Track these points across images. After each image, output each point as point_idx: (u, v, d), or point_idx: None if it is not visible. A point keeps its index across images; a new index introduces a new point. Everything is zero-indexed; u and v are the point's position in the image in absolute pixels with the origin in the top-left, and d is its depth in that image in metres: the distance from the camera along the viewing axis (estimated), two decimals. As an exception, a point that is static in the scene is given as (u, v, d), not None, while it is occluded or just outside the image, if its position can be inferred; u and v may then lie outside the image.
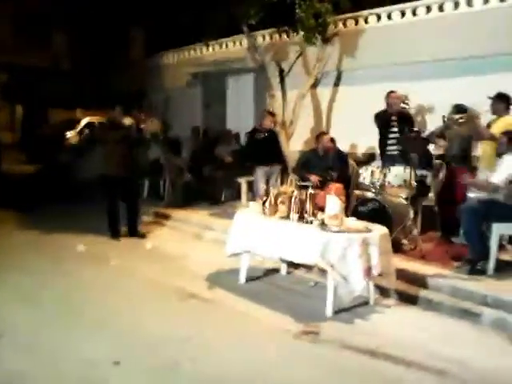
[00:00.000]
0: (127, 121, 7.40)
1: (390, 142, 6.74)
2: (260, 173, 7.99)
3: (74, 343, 3.85)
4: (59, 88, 17.10)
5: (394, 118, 6.81)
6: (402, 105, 6.03)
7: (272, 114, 8.17)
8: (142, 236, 7.43)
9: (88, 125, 16.35)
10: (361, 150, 8.54)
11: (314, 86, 8.48)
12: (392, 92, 6.95)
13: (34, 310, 4.52)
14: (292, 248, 4.59)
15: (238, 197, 9.21)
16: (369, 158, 8.00)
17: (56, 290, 5.08)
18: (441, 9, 7.56)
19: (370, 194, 6.26)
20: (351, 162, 7.64)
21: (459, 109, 6.35)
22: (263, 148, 7.92)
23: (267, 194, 5.13)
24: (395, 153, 6.58)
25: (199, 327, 4.16)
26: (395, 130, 6.75)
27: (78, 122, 16.34)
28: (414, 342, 4.00)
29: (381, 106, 7.49)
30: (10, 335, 3.99)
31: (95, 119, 16.49)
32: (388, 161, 6.31)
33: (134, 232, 7.47)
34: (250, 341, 4.00)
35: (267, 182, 7.92)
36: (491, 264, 4.93)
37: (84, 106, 16.74)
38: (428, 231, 6.49)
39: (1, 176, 11.89)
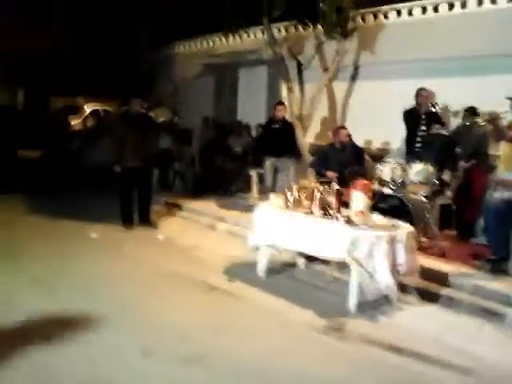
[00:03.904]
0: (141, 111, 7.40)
1: (417, 139, 6.69)
2: (267, 164, 7.83)
3: (101, 332, 3.83)
4: (61, 74, 16.99)
5: (423, 116, 6.73)
6: (432, 109, 5.98)
7: (282, 104, 8.00)
8: (154, 225, 7.42)
9: (93, 112, 16.32)
10: (375, 146, 8.50)
11: (330, 80, 8.41)
12: (422, 89, 6.84)
13: (50, 297, 4.46)
14: (318, 243, 4.57)
15: (248, 189, 9.17)
16: (383, 154, 7.96)
17: (72, 277, 5.04)
18: (463, 6, 7.51)
19: (388, 190, 6.22)
20: (366, 157, 7.60)
21: (473, 111, 6.32)
22: (276, 139, 7.76)
23: (274, 186, 5.02)
24: (421, 150, 6.54)
25: (227, 320, 4.16)
26: (423, 128, 6.68)
27: (80, 108, 16.30)
28: (439, 340, 4.01)
29: (396, 101, 7.47)
30: (29, 324, 3.90)
31: (100, 107, 16.45)
32: (413, 158, 6.27)
33: (146, 221, 7.46)
34: (277, 335, 4.01)
35: (275, 173, 7.81)
36: (514, 264, 4.93)
37: (86, 94, 16.63)
38: (444, 229, 6.47)
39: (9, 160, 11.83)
